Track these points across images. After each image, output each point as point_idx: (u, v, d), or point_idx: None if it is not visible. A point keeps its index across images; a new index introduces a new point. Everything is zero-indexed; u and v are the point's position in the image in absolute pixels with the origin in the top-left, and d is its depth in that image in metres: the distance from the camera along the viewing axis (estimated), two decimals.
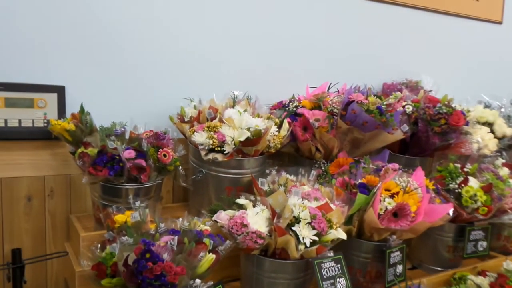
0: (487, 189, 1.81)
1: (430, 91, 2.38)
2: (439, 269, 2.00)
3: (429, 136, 2.09)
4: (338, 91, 2.09)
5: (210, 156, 1.70)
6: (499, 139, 2.46)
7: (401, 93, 2.37)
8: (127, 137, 1.69)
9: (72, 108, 1.78)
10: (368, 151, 1.96)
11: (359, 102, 1.79)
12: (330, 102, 1.86)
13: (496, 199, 1.82)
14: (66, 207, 1.86)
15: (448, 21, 2.90)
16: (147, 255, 1.18)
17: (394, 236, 1.65)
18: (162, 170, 1.65)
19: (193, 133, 1.73)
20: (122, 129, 1.69)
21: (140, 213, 1.39)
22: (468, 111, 2.19)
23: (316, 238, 1.41)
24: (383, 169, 1.80)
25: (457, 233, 1.95)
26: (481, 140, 2.31)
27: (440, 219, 1.69)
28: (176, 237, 1.28)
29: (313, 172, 1.67)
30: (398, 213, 1.57)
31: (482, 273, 1.90)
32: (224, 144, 1.68)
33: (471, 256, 1.96)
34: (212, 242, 1.34)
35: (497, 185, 1.85)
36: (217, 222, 1.48)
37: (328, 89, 2.09)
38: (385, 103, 1.90)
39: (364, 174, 1.72)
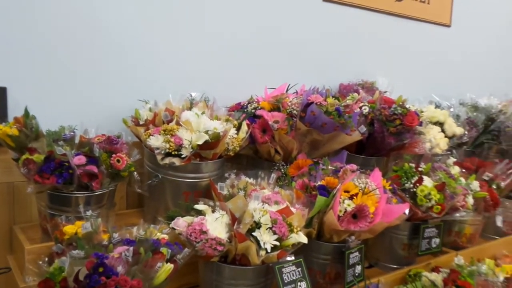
0: (440, 187, 1.86)
1: (385, 92, 2.42)
2: (395, 266, 2.04)
3: (385, 136, 2.12)
4: (296, 92, 2.08)
5: (167, 160, 1.63)
6: (449, 138, 2.55)
7: (358, 94, 2.41)
8: (77, 141, 1.59)
9: (15, 111, 1.66)
10: (327, 152, 1.97)
11: (318, 103, 1.79)
12: (289, 103, 1.85)
13: (448, 197, 1.88)
14: (9, 217, 1.73)
15: (401, 23, 2.98)
16: (100, 269, 1.11)
17: (353, 237, 1.66)
18: (115, 176, 1.57)
19: (149, 136, 1.66)
20: (71, 133, 1.59)
21: (92, 222, 1.31)
22: (421, 112, 2.26)
23: (277, 243, 1.39)
24: (342, 170, 1.81)
25: (412, 231, 2.00)
26: (433, 139, 2.39)
27: (397, 218, 1.72)
28: (131, 248, 1.22)
29: (273, 175, 1.65)
30: (357, 214, 1.58)
31: (435, 269, 1.96)
32: (182, 148, 1.62)
33: (425, 253, 2.02)
34: (169, 251, 1.28)
35: (449, 183, 1.91)
36: (174, 229, 1.43)
37: (287, 90, 2.08)
38: (343, 104, 1.91)
39: (323, 175, 1.72)
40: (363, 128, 1.91)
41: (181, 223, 1.43)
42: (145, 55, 2.00)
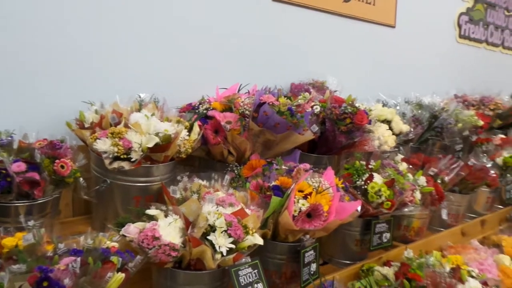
0: (390, 184, 1.91)
1: (335, 91, 2.46)
2: (348, 262, 2.08)
3: (336, 135, 2.16)
4: (248, 92, 2.07)
5: (116, 164, 1.56)
6: (397, 135, 2.63)
7: (309, 93, 2.43)
8: (15, 147, 1.48)
9: None
10: (280, 152, 1.97)
11: (271, 103, 1.78)
12: (242, 104, 1.83)
13: (398, 193, 1.93)
14: None
15: (349, 24, 3.05)
16: (45, 284, 1.03)
17: (308, 236, 1.67)
18: (59, 183, 1.48)
19: (95, 140, 1.58)
20: (9, 138, 1.48)
21: (34, 233, 1.23)
22: (370, 110, 2.31)
23: (233, 246, 1.36)
24: (295, 169, 1.82)
25: (364, 227, 2.04)
26: (382, 137, 2.46)
27: (350, 215, 1.75)
28: (78, 258, 1.15)
29: (227, 177, 1.63)
30: (311, 213, 1.59)
31: (387, 263, 2.01)
32: (131, 151, 1.56)
33: (377, 248, 2.07)
34: (120, 259, 1.23)
35: (398, 180, 1.97)
36: (125, 236, 1.36)
37: (239, 90, 2.06)
38: (295, 104, 1.92)
39: (277, 175, 1.72)
40: (315, 127, 1.93)
41: (132, 229, 1.38)
42: (90, 53, 1.90)
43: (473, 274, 1.95)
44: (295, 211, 1.58)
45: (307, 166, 1.84)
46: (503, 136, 3.26)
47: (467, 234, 2.77)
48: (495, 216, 3.07)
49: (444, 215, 2.35)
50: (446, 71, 3.91)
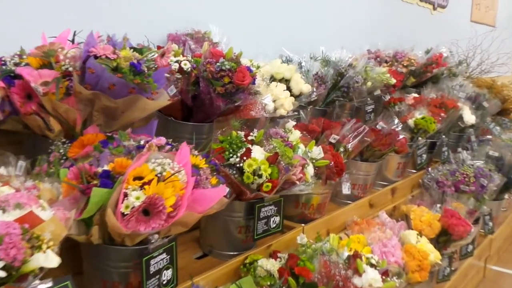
0: (273, 160, 1.52)
1: (216, 43, 1.99)
2: (232, 253, 1.71)
3: (213, 98, 1.71)
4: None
5: None
6: (297, 96, 2.25)
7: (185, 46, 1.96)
8: None
9: None
10: (130, 122, 1.48)
11: (100, 57, 1.28)
12: (63, 57, 1.31)
13: (283, 170, 1.55)
14: None
15: None
16: None
17: (156, 236, 1.24)
18: None
19: None
20: None
21: None
22: (258, 67, 1.88)
23: (3, 274, 0.89)
24: (146, 146, 1.36)
25: (247, 211, 1.67)
26: (276, 99, 2.05)
27: (217, 204, 1.34)
28: None
29: (21, 163, 1.13)
30: (149, 210, 1.14)
31: (273, 254, 1.65)
32: None
33: (263, 236, 1.70)
34: None
35: (284, 153, 1.58)
36: None
37: (73, 40, 1.51)
38: (147, 58, 1.43)
39: (111, 157, 1.25)
40: (173, 90, 1.47)
41: None
42: None
43: (373, 261, 1.65)
44: (126, 207, 1.12)
45: (163, 140, 1.38)
46: (416, 95, 3.00)
47: (376, 205, 2.51)
48: (407, 182, 2.85)
49: (346, 189, 2.04)
50: (361, 25, 3.55)
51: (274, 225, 1.73)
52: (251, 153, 1.50)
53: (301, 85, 2.23)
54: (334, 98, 2.48)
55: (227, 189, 1.36)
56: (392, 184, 2.67)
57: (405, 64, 3.02)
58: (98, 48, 1.32)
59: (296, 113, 2.22)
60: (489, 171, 2.80)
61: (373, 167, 2.38)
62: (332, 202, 2.29)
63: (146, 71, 1.35)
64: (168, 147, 1.39)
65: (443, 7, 4.65)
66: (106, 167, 1.22)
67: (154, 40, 2.00)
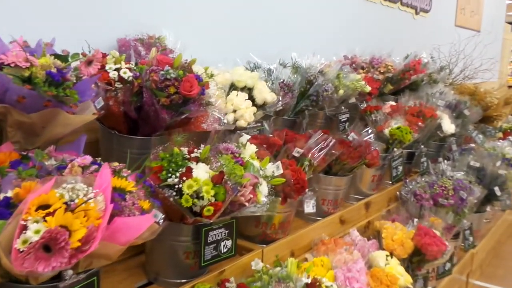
0: (218, 179, 1.36)
1: (165, 49, 1.83)
2: (179, 281, 1.55)
3: (157, 110, 1.55)
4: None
5: None
6: (260, 106, 2.09)
7: (137, 53, 1.80)
8: None
9: None
10: (54, 138, 1.32)
11: (9, 65, 1.11)
12: None
13: (230, 191, 1.38)
14: None
15: None
16: None
17: (70, 272, 1.07)
18: None
19: None
20: None
21: None
22: (212, 75, 1.72)
23: None
24: (69, 165, 1.19)
25: (194, 235, 1.51)
26: (236, 109, 1.90)
27: (147, 232, 1.18)
28: None
29: None
30: (50, 245, 0.97)
31: (222, 284, 1.49)
32: None
33: (212, 262, 1.54)
34: None
35: (233, 171, 1.41)
36: None
37: None
38: (71, 66, 1.26)
39: (17, 181, 1.08)
40: (100, 102, 1.30)
41: None
42: None
43: None
44: (23, 242, 0.95)
45: (88, 160, 1.22)
46: (393, 103, 2.86)
47: (348, 221, 2.35)
48: (383, 195, 2.69)
49: (310, 208, 1.87)
50: (338, 30, 3.40)
51: (225, 250, 1.57)
52: (192, 173, 1.33)
53: (265, 94, 2.07)
54: (303, 108, 2.33)
55: (160, 216, 1.20)
56: (367, 198, 2.52)
57: (382, 71, 2.87)
58: (9, 55, 1.16)
59: (259, 124, 2.06)
60: (469, 183, 2.66)
61: (343, 181, 2.22)
62: (299, 218, 2.13)
63: (68, 81, 1.19)
64: (94, 166, 1.23)
65: (426, 11, 4.52)
66: (9, 193, 1.06)
67: (103, 46, 1.83)
